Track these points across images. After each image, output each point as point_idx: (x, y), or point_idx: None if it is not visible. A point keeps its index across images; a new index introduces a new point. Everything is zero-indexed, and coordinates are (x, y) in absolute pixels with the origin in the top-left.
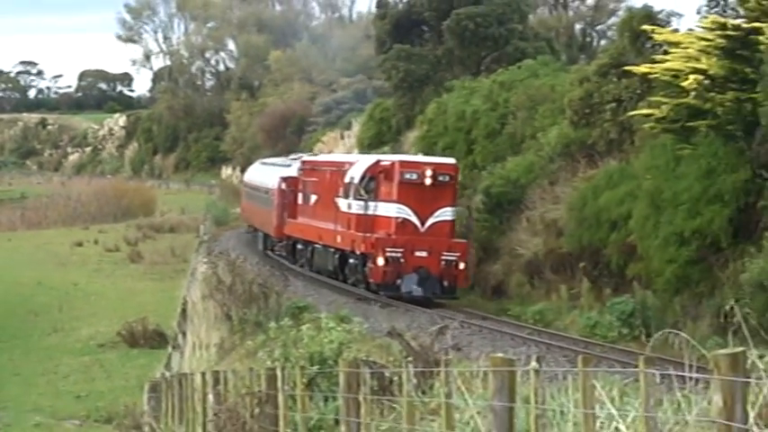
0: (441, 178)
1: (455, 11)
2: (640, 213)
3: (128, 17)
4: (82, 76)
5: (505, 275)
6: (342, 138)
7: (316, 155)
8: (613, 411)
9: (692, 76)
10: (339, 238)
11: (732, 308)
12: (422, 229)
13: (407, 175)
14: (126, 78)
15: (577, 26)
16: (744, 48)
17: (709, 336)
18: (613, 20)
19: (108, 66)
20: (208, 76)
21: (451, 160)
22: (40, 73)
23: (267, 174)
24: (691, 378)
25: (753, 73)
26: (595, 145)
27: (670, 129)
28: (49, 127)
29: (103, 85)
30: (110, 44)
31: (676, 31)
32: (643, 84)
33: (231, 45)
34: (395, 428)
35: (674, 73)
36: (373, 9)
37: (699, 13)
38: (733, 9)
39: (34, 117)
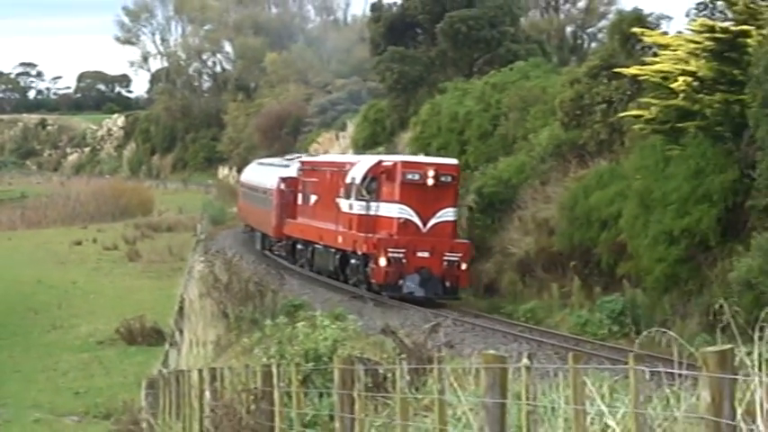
0: (443, 179)
1: (448, 14)
2: (630, 213)
3: (126, 20)
4: (81, 77)
5: (497, 274)
6: (337, 138)
7: (312, 155)
8: (603, 408)
9: (681, 78)
10: (340, 239)
11: (720, 306)
12: (424, 230)
13: (409, 176)
14: (124, 80)
15: (568, 29)
16: (732, 50)
17: (697, 333)
18: (604, 22)
19: (106, 67)
20: (205, 77)
21: (453, 161)
22: (39, 74)
23: (265, 174)
24: (680, 375)
25: (741, 75)
26: (586, 145)
27: (659, 130)
28: (49, 127)
29: (102, 87)
30: (108, 46)
31: (666, 33)
32: (633, 85)
33: (228, 47)
34: (388, 424)
35: (663, 75)
36: (368, 12)
37: (688, 15)
38: (721, 12)
39: (34, 118)
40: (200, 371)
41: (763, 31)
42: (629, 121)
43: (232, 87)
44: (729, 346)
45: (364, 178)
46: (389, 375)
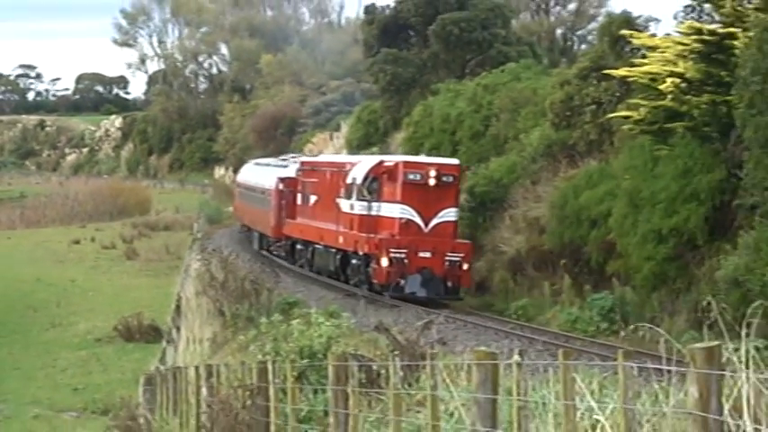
0: (444, 179)
1: (440, 16)
2: (619, 212)
3: (124, 22)
4: (79, 79)
5: (489, 272)
6: (331, 139)
7: (307, 155)
8: (593, 403)
9: (669, 80)
10: (341, 239)
11: (708, 303)
12: (425, 230)
13: (411, 176)
14: (122, 81)
15: (559, 31)
16: (719, 52)
17: (685, 330)
18: (593, 25)
19: (104, 69)
20: (201, 79)
21: (455, 161)
22: (38, 76)
23: (263, 174)
24: (668, 371)
25: (728, 76)
26: (576, 146)
27: (648, 130)
28: (48, 128)
29: (100, 88)
30: (106, 48)
31: (654, 35)
32: (622, 87)
33: (224, 49)
34: (382, 420)
35: (651, 76)
36: (361, 14)
37: (676, 18)
38: (709, 15)
39: (33, 119)
40: (196, 367)
41: (750, 34)
42: (618, 121)
43: (228, 89)
44: (717, 342)
45: (365, 178)
46: (383, 372)
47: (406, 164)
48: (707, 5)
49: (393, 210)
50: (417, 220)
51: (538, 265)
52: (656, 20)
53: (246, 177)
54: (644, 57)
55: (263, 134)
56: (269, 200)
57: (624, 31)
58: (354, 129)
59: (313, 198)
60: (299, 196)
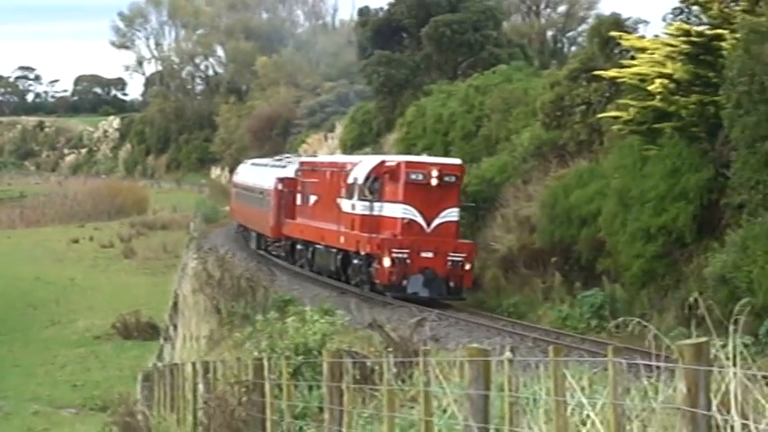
0: (446, 179)
1: (433, 18)
2: (609, 211)
3: (121, 25)
4: (78, 80)
5: (481, 270)
6: (325, 139)
7: (303, 156)
8: (583, 399)
9: (657, 81)
10: (342, 239)
11: (696, 300)
12: (428, 230)
13: (413, 176)
14: (120, 83)
15: (549, 33)
16: (707, 53)
17: (674, 327)
18: (583, 27)
19: (102, 71)
20: (197, 80)
21: (457, 161)
22: (37, 78)
23: (261, 175)
24: (657, 367)
25: (715, 77)
26: (566, 146)
27: (637, 130)
28: (47, 129)
29: (98, 90)
30: (104, 50)
31: (643, 37)
32: (611, 87)
33: (220, 51)
34: (376, 415)
35: (640, 77)
36: (355, 17)
37: (664, 20)
38: (696, 16)
39: (32, 120)
40: (193, 364)
41: (737, 35)
42: (607, 121)
43: (224, 90)
44: (705, 339)
45: (367, 178)
46: (377, 368)
47: (409, 164)
48: (695, 8)
49: (395, 210)
50: (419, 220)
51: (529, 263)
52: (645, 22)
53: (244, 178)
54: (633, 58)
55: (259, 134)
56: (268, 200)
57: (613, 33)
58: (348, 129)
59: (313, 198)
60: (298, 196)
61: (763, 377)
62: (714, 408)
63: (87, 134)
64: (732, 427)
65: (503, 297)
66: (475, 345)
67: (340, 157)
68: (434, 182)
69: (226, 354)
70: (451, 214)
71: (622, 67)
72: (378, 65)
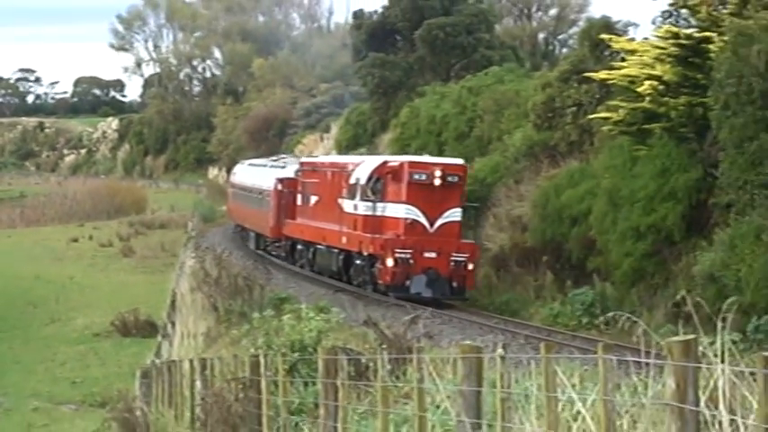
0: (449, 179)
1: (426, 21)
2: (599, 210)
3: (120, 27)
4: (77, 82)
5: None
6: (321, 140)
7: (298, 156)
8: (574, 395)
9: (647, 82)
10: (344, 239)
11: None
12: (431, 230)
13: (416, 176)
14: (118, 85)
15: (541, 35)
16: (695, 55)
17: (663, 324)
18: (574, 29)
19: (101, 73)
20: (195, 82)
21: (460, 161)
22: (37, 80)
23: (260, 175)
24: (646, 363)
25: (704, 79)
26: (557, 146)
27: (627, 131)
28: (47, 130)
29: (97, 91)
30: (103, 53)
31: (633, 39)
32: (602, 89)
33: (217, 53)
34: (370, 411)
35: (630, 79)
36: (350, 20)
37: (654, 23)
38: (685, 19)
39: (32, 121)
40: (191, 361)
41: (725, 38)
42: (598, 122)
43: (221, 92)
44: (693, 336)
45: (369, 178)
46: (371, 365)
47: (412, 164)
48: (683, 11)
49: (398, 210)
50: (422, 220)
51: (521, 262)
52: (635, 25)
53: (242, 178)
54: (623, 60)
55: (256, 135)
56: (267, 200)
57: (604, 36)
58: (343, 130)
59: (314, 198)
60: (299, 197)
61: (751, 374)
62: (702, 403)
63: (87, 135)
64: (720, 423)
65: (495, 295)
66: (468, 342)
67: (341, 158)
68: (437, 182)
69: (223, 351)
70: (454, 214)
71: (612, 68)
72: (372, 67)
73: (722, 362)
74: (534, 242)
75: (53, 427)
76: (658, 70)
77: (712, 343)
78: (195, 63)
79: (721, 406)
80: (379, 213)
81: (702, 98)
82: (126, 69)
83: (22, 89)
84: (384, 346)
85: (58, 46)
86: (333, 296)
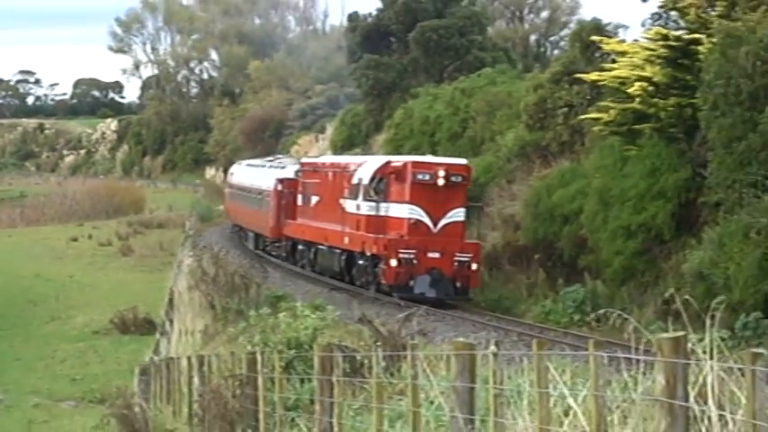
0: (453, 179)
1: (420, 23)
2: (590, 209)
3: (118, 30)
4: (76, 84)
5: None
6: (316, 141)
7: (294, 156)
8: (565, 391)
9: (637, 83)
10: (347, 240)
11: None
12: (434, 230)
13: (420, 176)
14: (117, 86)
15: (532, 37)
16: (685, 57)
17: (653, 321)
18: (565, 31)
19: (101, 75)
20: (192, 84)
21: (463, 161)
22: (37, 81)
23: (259, 175)
24: (637, 360)
25: (693, 80)
26: (549, 146)
27: (617, 131)
28: (47, 131)
29: (96, 93)
30: (102, 55)
31: (623, 41)
32: (593, 90)
33: (214, 55)
34: (365, 407)
35: (620, 80)
36: (345, 22)
37: (643, 25)
38: (675, 21)
39: (32, 122)
40: (188, 358)
41: (714, 40)
42: (588, 123)
43: (218, 93)
44: (682, 333)
45: (372, 178)
46: (366, 362)
47: (415, 164)
48: (673, 13)
49: (401, 210)
50: (426, 220)
51: (513, 260)
52: (625, 27)
53: (239, 178)
54: (613, 62)
55: (252, 136)
56: (267, 200)
57: (594, 38)
58: (338, 131)
59: (315, 199)
60: (299, 197)
61: (739, 370)
62: (692, 399)
63: (86, 136)
64: (709, 418)
65: (488, 293)
66: (461, 339)
67: (343, 158)
68: (441, 182)
69: (220, 348)
70: (458, 214)
71: (603, 70)
72: (367, 68)
73: (711, 358)
74: (526, 241)
75: (53, 424)
76: (648, 71)
77: (701, 340)
78: (192, 65)
79: (710, 401)
80: (382, 213)
81: (691, 99)
82: (124, 71)
83: (22, 91)
84: (379, 344)
85: (58, 48)
86: (328, 294)
